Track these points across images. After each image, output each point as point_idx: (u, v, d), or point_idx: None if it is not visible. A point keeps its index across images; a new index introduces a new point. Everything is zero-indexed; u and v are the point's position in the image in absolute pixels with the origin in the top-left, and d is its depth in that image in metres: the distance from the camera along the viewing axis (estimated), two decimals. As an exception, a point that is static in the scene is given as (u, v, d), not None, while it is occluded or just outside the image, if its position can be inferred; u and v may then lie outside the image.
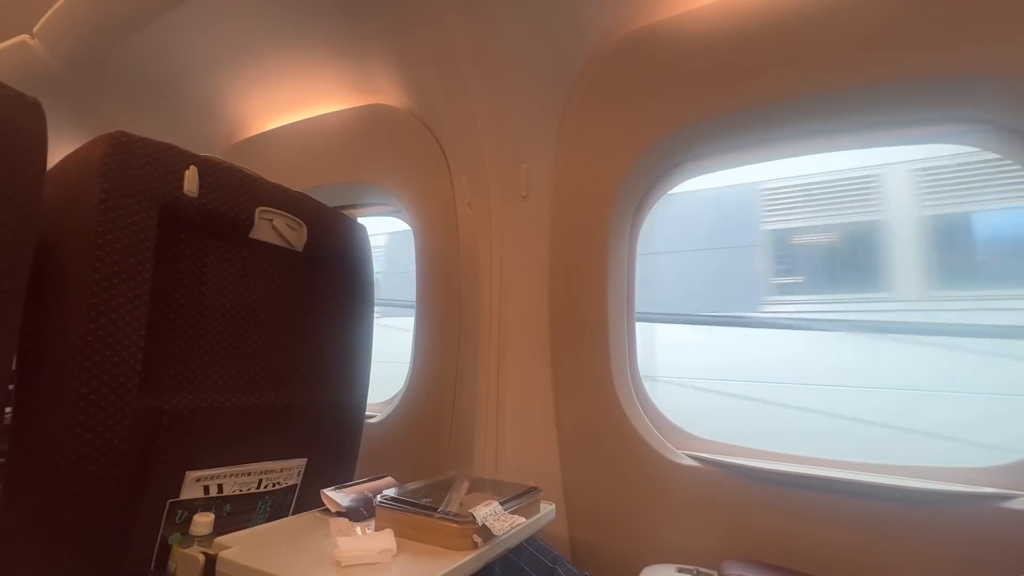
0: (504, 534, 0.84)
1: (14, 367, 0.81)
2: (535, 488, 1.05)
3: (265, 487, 1.05)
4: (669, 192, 1.41)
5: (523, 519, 0.91)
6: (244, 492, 1.01)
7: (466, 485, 1.03)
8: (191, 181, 0.90)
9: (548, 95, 1.35)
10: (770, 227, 2.34)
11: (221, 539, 0.79)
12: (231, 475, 0.99)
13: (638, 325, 1.39)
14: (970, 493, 0.95)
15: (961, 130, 1.13)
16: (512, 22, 1.20)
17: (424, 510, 0.85)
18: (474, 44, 1.24)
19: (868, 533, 1.01)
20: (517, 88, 1.30)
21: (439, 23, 1.24)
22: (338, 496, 0.97)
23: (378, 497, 0.90)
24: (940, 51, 1.00)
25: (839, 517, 1.04)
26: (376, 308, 1.31)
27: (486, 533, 0.82)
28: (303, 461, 1.13)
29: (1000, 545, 0.92)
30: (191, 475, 0.93)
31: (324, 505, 0.97)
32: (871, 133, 1.20)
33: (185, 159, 0.90)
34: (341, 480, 1.07)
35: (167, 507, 0.91)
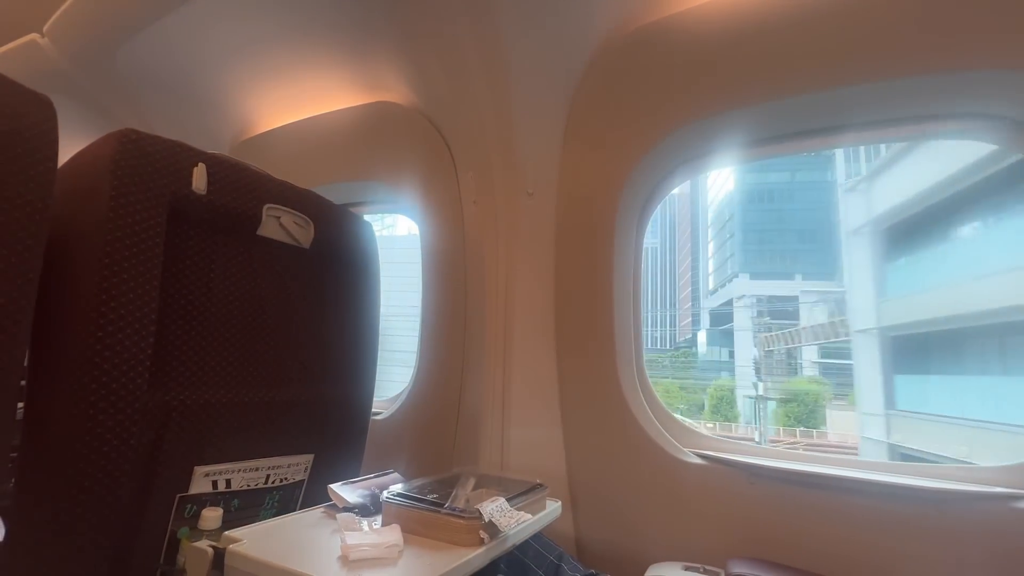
0: (510, 530, 0.85)
1: (26, 363, 0.82)
2: (541, 485, 1.05)
3: (273, 482, 1.06)
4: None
5: (529, 515, 0.91)
6: (252, 487, 1.02)
7: (472, 481, 1.04)
8: (199, 178, 0.90)
9: (554, 92, 1.35)
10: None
11: (230, 533, 0.80)
12: (239, 470, 0.99)
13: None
14: (981, 493, 0.94)
15: (971, 126, 1.12)
16: (518, 19, 1.20)
17: (431, 506, 0.85)
18: (480, 41, 1.24)
19: (877, 532, 1.01)
20: (523, 85, 1.30)
21: (446, 21, 1.24)
22: (345, 492, 0.97)
23: (385, 493, 0.91)
24: (948, 46, 0.98)
25: (847, 516, 1.03)
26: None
27: (492, 529, 0.82)
28: (310, 457, 1.13)
29: (1010, 545, 0.91)
30: (200, 470, 0.93)
31: (331, 500, 0.98)
32: (882, 129, 1.19)
33: (193, 156, 0.91)
34: (348, 476, 1.07)
35: (176, 501, 0.92)
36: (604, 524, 1.28)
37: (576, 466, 1.32)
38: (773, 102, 1.14)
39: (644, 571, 1.09)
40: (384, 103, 1.67)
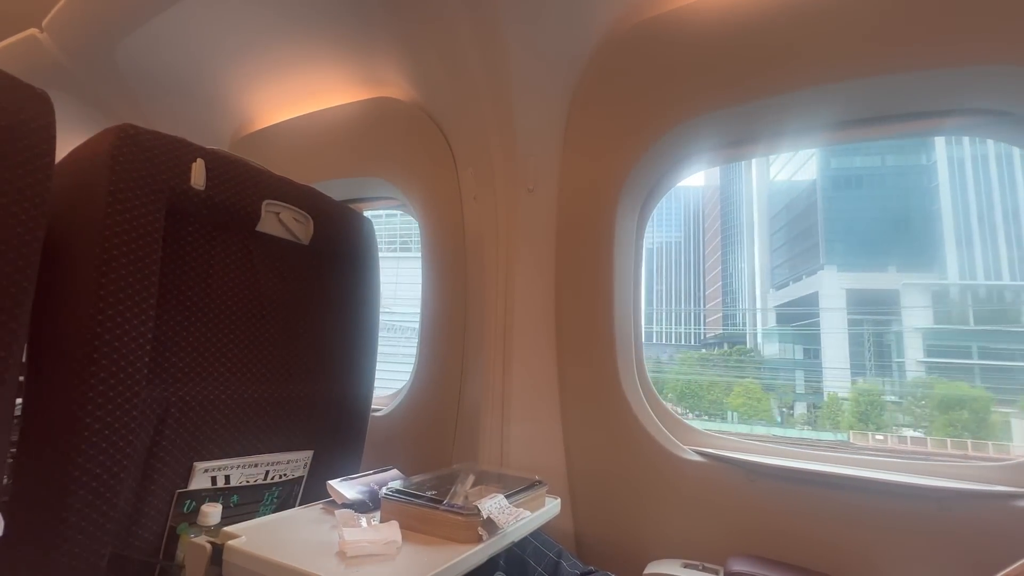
0: (509, 527, 0.85)
1: (24, 358, 0.82)
2: (540, 482, 1.05)
3: (272, 478, 1.06)
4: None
5: (528, 512, 0.91)
6: (251, 483, 1.02)
7: (471, 478, 1.04)
8: (198, 174, 0.90)
9: (555, 87, 1.34)
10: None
11: (228, 529, 0.80)
12: (238, 466, 0.99)
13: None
14: (982, 491, 0.94)
15: (974, 122, 1.11)
16: (518, 15, 1.19)
17: (429, 503, 0.85)
18: (480, 36, 1.23)
19: (877, 530, 1.00)
20: (523, 80, 1.29)
21: (446, 15, 1.23)
22: (344, 488, 0.97)
23: (384, 489, 0.91)
24: (951, 41, 0.98)
25: (847, 514, 1.03)
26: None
27: (491, 526, 0.82)
28: (309, 453, 1.13)
29: (1010, 544, 0.90)
30: (199, 466, 0.93)
31: (330, 497, 0.98)
32: (883, 125, 1.18)
33: (192, 152, 0.91)
34: (347, 472, 1.07)
35: (175, 497, 0.92)
36: (603, 521, 1.28)
37: (575, 463, 1.32)
38: (778, 96, 1.13)
39: (643, 568, 1.09)
40: (384, 99, 1.67)
